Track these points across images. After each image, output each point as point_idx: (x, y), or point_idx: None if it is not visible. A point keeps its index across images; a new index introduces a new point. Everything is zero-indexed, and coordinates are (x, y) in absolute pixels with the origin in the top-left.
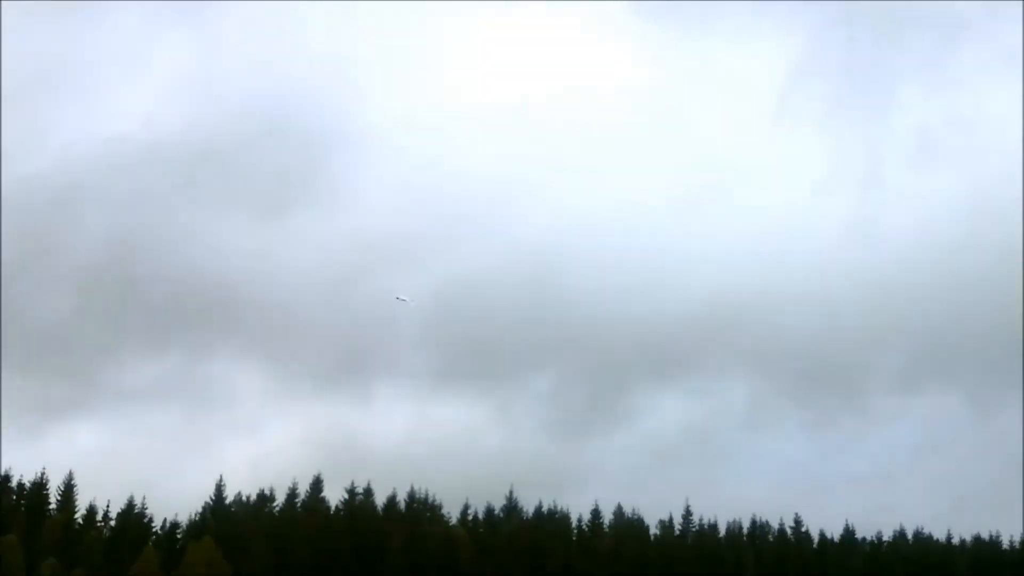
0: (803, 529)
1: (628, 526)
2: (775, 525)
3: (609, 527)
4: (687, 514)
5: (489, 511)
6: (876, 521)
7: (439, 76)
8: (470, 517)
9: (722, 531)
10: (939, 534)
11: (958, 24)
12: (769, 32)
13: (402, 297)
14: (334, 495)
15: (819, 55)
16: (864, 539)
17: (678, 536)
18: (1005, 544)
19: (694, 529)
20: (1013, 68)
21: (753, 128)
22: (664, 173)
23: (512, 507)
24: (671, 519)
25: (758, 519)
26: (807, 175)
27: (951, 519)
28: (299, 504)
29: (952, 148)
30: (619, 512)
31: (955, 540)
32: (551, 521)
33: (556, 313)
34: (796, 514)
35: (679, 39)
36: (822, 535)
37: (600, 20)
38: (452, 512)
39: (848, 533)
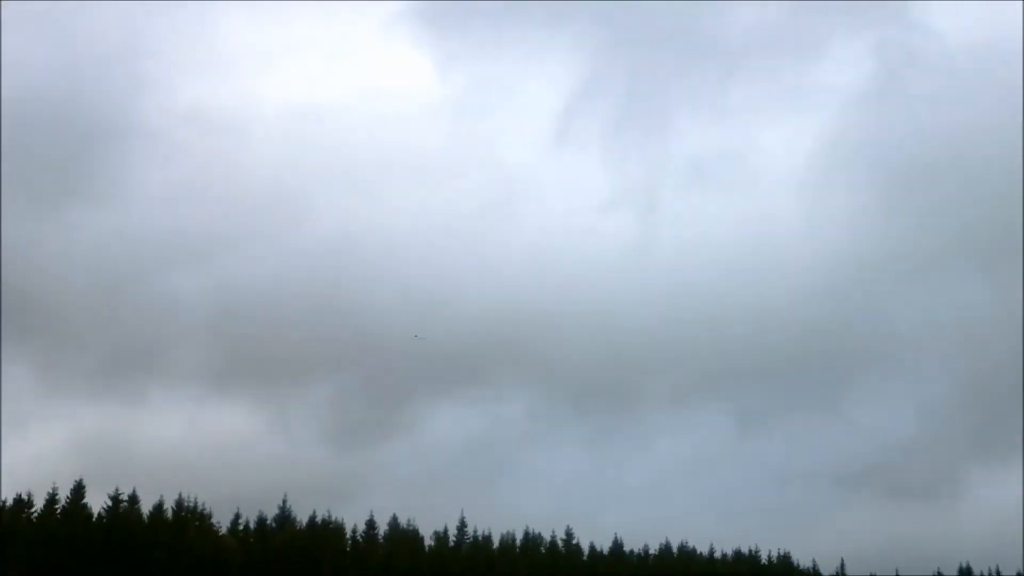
0: (574, 542)
1: (402, 537)
2: (547, 537)
3: (384, 538)
4: (462, 526)
5: (261, 520)
6: (645, 534)
7: (229, 73)
8: (241, 526)
9: (496, 543)
10: (703, 548)
11: (735, 61)
12: (559, 51)
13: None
14: (97, 501)
15: (605, 78)
16: (632, 552)
17: (452, 548)
18: (764, 559)
19: (468, 541)
20: (782, 106)
21: (540, 146)
22: (453, 185)
23: (285, 516)
24: (446, 530)
25: (531, 531)
26: (590, 195)
27: (714, 533)
28: (59, 511)
29: (723, 177)
30: (394, 523)
31: (717, 554)
32: (324, 531)
33: (340, 321)
34: (568, 527)
35: (474, 52)
36: (592, 548)
37: (397, 27)
38: (223, 521)
39: (617, 546)
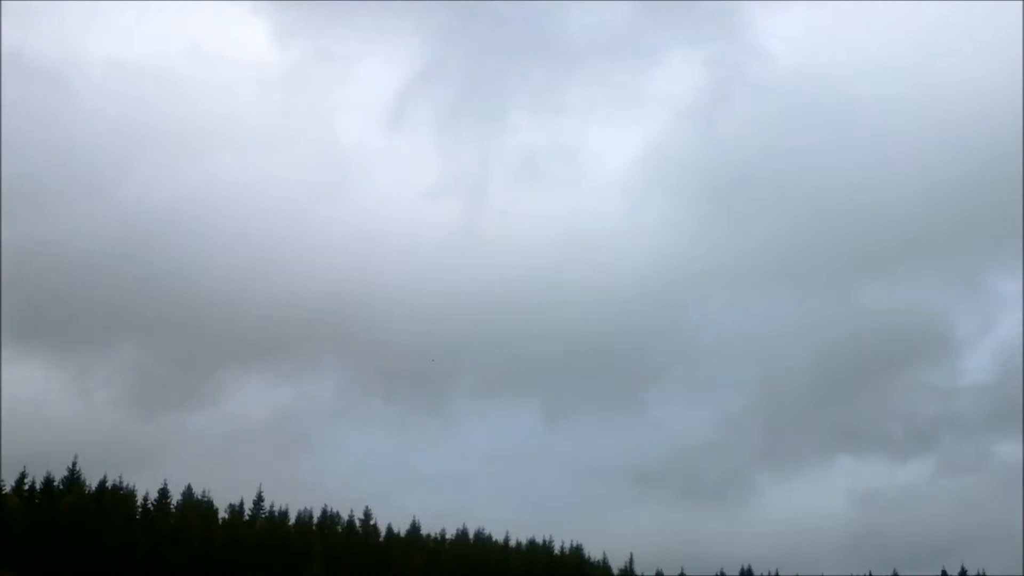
0: (372, 522)
1: (196, 507)
2: (345, 517)
3: (176, 507)
4: (258, 500)
5: (48, 481)
6: (443, 520)
7: (54, 21)
8: (27, 486)
9: (292, 519)
10: (498, 535)
11: (573, 60)
12: (401, 32)
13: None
14: None
15: (445, 64)
16: (429, 536)
17: (247, 521)
18: (557, 550)
19: (264, 515)
20: (615, 109)
21: (375, 125)
22: (283, 158)
23: (74, 479)
24: (242, 504)
25: (329, 510)
26: (420, 180)
27: (511, 522)
28: None
29: (552, 173)
30: (188, 492)
31: (512, 542)
32: (114, 496)
33: (149, 285)
34: (367, 507)
35: (315, 24)
36: (389, 529)
37: None
38: (8, 480)
39: (414, 529)
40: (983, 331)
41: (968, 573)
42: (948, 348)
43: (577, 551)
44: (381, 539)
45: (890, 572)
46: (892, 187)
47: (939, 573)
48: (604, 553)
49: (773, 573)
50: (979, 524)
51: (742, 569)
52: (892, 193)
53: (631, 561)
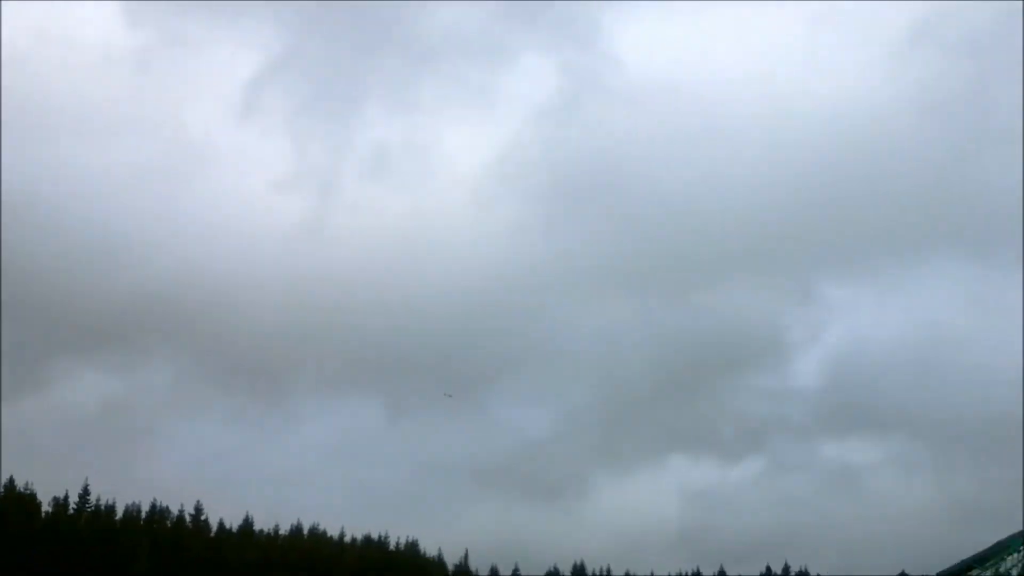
0: (203, 517)
1: (17, 500)
2: (176, 511)
3: None
4: (85, 492)
5: None
6: (278, 515)
7: None
8: None
9: (120, 513)
10: (334, 531)
11: (429, 57)
12: (256, 19)
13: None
14: None
15: (298, 54)
16: (262, 531)
17: (72, 515)
18: (392, 545)
19: (90, 509)
20: (468, 109)
21: (225, 114)
22: (129, 143)
23: None
24: (67, 496)
25: (158, 504)
26: (270, 171)
27: (348, 518)
28: None
29: (404, 171)
30: (10, 484)
31: (348, 538)
32: None
33: None
34: (198, 501)
35: (167, 6)
36: (221, 525)
37: None
38: None
39: (247, 524)
40: (813, 337)
41: (791, 569)
42: (779, 353)
43: (413, 547)
44: (212, 534)
45: (717, 568)
46: (733, 196)
47: (764, 569)
48: (440, 549)
49: (605, 569)
50: (803, 522)
51: (575, 565)
52: (733, 202)
53: (466, 557)
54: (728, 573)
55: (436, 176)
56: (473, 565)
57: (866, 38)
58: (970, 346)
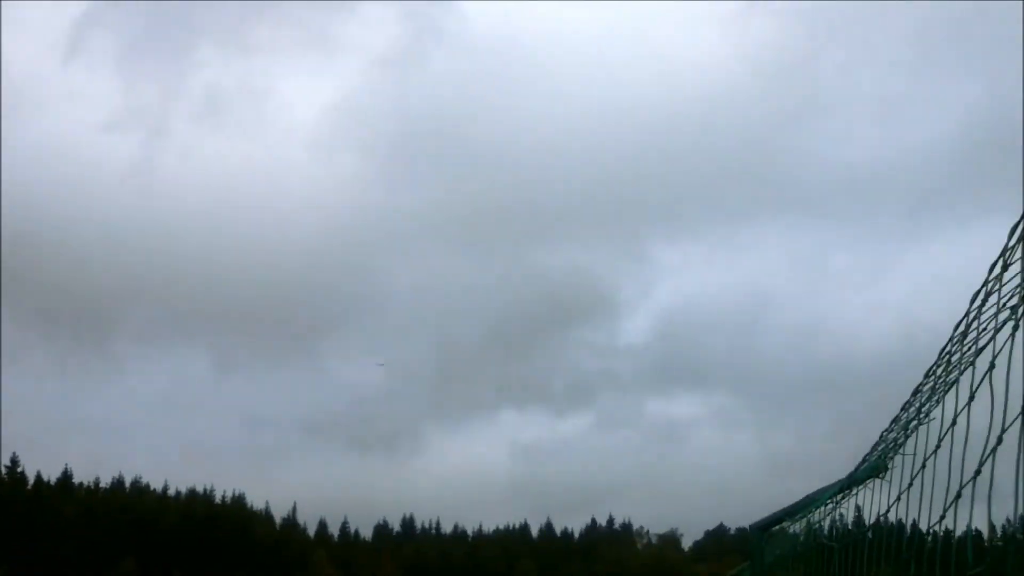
0: (19, 470)
1: None
2: None
3: None
4: None
5: None
6: (99, 468)
7: None
8: None
9: None
10: (157, 484)
11: None
12: None
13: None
14: None
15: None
16: (82, 484)
17: None
18: (218, 499)
19: None
20: (307, 55)
21: (49, 53)
22: None
23: None
24: None
25: None
26: (97, 112)
27: (174, 471)
28: None
29: (239, 115)
30: None
31: (171, 491)
32: None
33: None
34: (14, 453)
35: None
36: (39, 477)
37: None
38: None
39: (66, 477)
40: (643, 295)
41: (615, 521)
42: (610, 310)
43: (239, 500)
44: (29, 487)
45: (544, 520)
46: (569, 153)
47: (589, 520)
48: (267, 502)
49: (434, 522)
50: (629, 476)
51: (404, 519)
52: (568, 159)
53: (294, 510)
54: (555, 525)
55: (272, 123)
56: (301, 519)
57: (703, 3)
58: (792, 306)
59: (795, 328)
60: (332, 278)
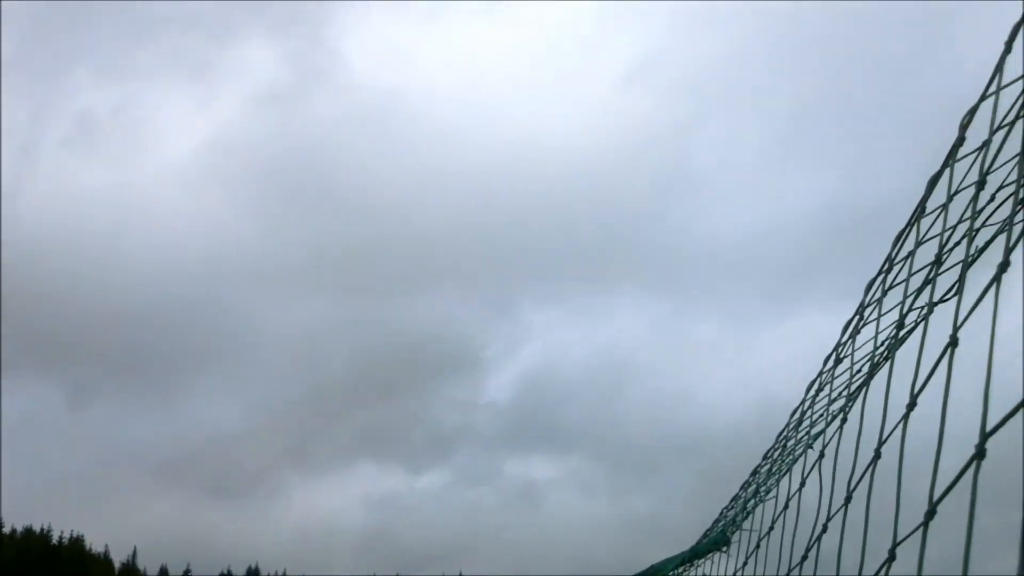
0: None
1: None
2: None
3: None
4: None
5: None
6: None
7: None
8: None
9: None
10: None
11: (149, 24)
12: None
13: None
14: None
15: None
16: None
17: None
18: (56, 539)
19: None
20: (189, 82)
21: None
22: None
23: None
24: None
25: None
26: None
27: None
28: None
29: (113, 142)
30: None
31: (7, 529)
32: None
33: None
34: None
35: None
36: None
37: None
38: None
39: None
40: (508, 354)
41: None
42: (476, 366)
43: (78, 541)
44: None
45: (394, 573)
46: (446, 208)
47: (439, 575)
48: (107, 545)
49: (281, 572)
50: (483, 532)
51: (249, 568)
52: (445, 213)
53: (134, 554)
54: None
55: (146, 153)
56: (142, 563)
57: (588, 72)
58: (653, 374)
59: (656, 396)
60: (196, 316)
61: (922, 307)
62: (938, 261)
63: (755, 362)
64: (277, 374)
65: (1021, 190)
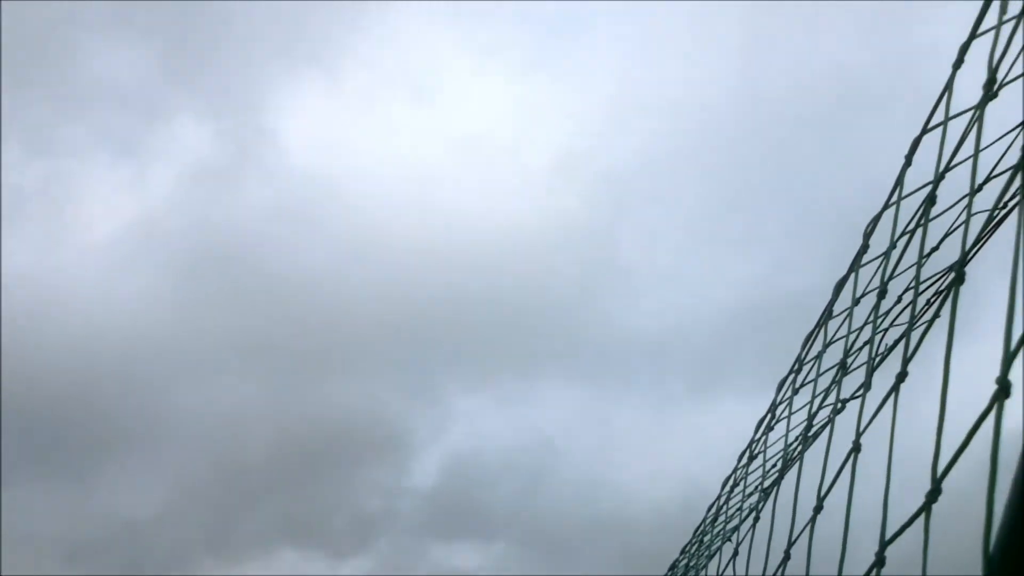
0: None
1: None
2: None
3: None
4: None
5: None
6: None
7: None
8: None
9: None
10: None
11: (80, 100)
12: None
13: None
14: None
15: None
16: None
17: None
18: None
19: None
20: (119, 159)
21: None
22: None
23: None
24: None
25: None
26: None
27: None
28: None
29: (40, 218)
30: None
31: None
32: None
33: None
34: None
35: None
36: None
37: None
38: None
39: None
40: (433, 439)
41: None
42: (401, 451)
43: None
44: None
45: None
46: (371, 293)
47: None
48: None
49: None
50: None
51: None
52: (371, 297)
53: None
54: None
55: (73, 231)
56: None
57: (517, 162)
58: (577, 461)
59: (580, 481)
60: (115, 398)
61: (831, 405)
62: (843, 365)
63: (676, 448)
64: (197, 457)
65: (919, 299)
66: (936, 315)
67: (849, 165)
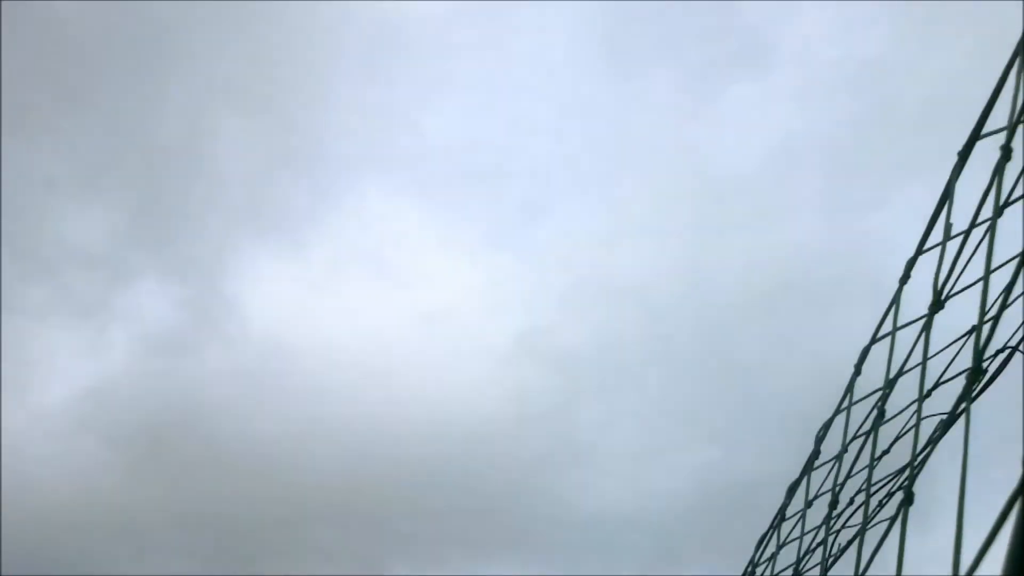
0: None
1: None
2: None
3: None
4: None
5: None
6: None
7: None
8: None
9: None
10: None
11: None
12: None
13: None
14: None
15: None
16: None
17: None
18: None
19: None
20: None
21: None
22: None
23: None
24: None
25: None
26: None
27: None
28: None
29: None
30: None
31: None
32: None
33: None
34: None
35: None
36: None
37: None
38: None
39: None
40: None
41: None
42: None
43: None
44: None
45: None
46: (325, 469)
47: None
48: None
49: None
50: None
51: None
52: (324, 473)
53: None
54: None
55: (21, 395)
56: None
57: (478, 341)
58: None
59: None
60: (54, 569)
61: None
62: (798, 568)
63: None
64: None
65: (871, 500)
66: (886, 533)
67: (801, 356)
